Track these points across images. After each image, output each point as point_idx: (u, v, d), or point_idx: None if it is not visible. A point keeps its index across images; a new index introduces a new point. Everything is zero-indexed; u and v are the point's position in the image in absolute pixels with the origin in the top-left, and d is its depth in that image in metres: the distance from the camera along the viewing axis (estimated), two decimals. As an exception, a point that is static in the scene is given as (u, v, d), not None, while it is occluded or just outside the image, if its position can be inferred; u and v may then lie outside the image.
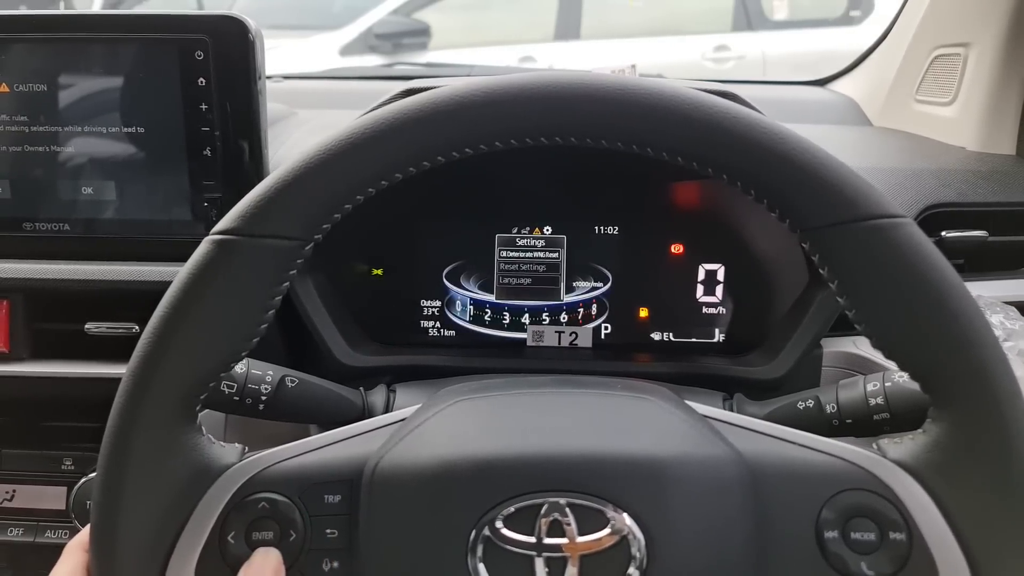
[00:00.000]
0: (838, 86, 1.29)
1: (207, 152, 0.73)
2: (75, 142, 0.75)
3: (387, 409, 0.67)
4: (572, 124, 0.44)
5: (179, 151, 0.74)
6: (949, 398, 0.42)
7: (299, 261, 0.44)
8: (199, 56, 0.72)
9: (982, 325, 0.41)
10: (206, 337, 0.43)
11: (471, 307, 0.81)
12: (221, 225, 0.44)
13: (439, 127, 0.43)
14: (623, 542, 0.41)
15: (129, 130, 0.74)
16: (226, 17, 0.72)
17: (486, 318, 0.81)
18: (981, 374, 0.40)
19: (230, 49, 0.72)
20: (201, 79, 0.72)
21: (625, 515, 0.42)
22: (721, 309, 0.80)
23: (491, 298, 0.80)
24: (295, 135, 0.89)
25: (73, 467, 0.76)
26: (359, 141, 0.43)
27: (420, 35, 3.74)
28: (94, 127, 0.74)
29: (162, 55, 0.72)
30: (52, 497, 0.77)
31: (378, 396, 0.68)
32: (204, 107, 0.73)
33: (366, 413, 0.66)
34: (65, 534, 0.76)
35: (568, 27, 3.78)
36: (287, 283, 0.44)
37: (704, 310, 0.80)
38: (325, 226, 0.44)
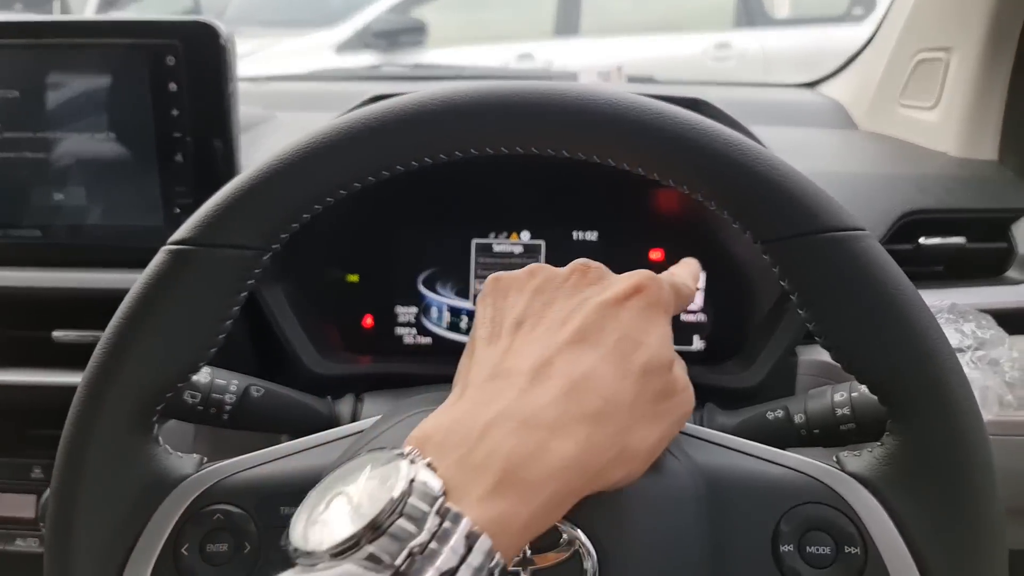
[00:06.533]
0: (827, 89, 1.28)
1: (178, 158, 0.73)
2: (45, 148, 0.74)
3: (354, 418, 0.66)
4: (532, 135, 0.43)
5: (150, 157, 0.73)
6: (905, 411, 0.41)
7: (257, 271, 0.44)
8: (170, 62, 0.71)
9: (938, 338, 0.41)
10: (161, 348, 0.43)
11: (447, 314, 0.80)
12: (177, 235, 0.43)
13: (396, 136, 0.43)
14: (575, 557, 0.41)
15: (100, 136, 0.73)
16: (197, 23, 0.71)
17: (462, 325, 0.80)
18: (937, 388, 0.40)
19: (202, 54, 0.71)
20: (172, 84, 0.72)
21: (578, 530, 0.41)
22: (701, 316, 0.80)
23: (468, 305, 0.80)
24: (271, 139, 0.89)
25: (42, 475, 0.76)
26: (316, 150, 0.43)
27: (417, 32, 3.72)
28: (64, 133, 0.74)
29: (133, 61, 0.72)
30: (22, 505, 0.76)
31: (345, 405, 0.67)
32: (175, 112, 0.72)
33: (333, 422, 0.65)
34: (35, 542, 0.75)
35: (567, 23, 3.77)
36: (245, 292, 0.44)
37: (683, 317, 0.80)
38: (283, 235, 0.44)
